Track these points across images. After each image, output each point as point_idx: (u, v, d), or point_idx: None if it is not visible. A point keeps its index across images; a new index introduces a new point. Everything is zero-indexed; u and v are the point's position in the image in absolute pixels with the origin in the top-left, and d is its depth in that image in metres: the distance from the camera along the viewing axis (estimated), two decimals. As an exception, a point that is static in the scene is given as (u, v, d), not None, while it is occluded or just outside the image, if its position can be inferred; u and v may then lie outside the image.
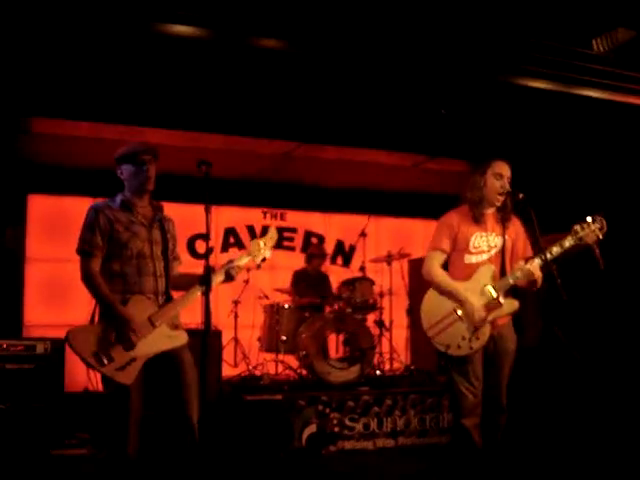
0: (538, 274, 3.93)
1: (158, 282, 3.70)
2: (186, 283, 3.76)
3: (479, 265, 4.09)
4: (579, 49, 5.83)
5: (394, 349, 7.97)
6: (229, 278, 3.77)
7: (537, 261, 3.93)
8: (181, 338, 3.70)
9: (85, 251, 3.62)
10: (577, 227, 4.00)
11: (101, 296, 3.55)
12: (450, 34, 5.64)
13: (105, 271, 3.64)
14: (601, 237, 3.99)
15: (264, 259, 4.02)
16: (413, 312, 7.92)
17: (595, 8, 5.30)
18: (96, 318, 3.61)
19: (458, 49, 5.82)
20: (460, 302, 4.00)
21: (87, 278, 3.59)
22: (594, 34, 5.60)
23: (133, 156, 3.72)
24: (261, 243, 4.00)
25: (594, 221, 4.00)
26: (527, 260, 4.06)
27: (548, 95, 6.36)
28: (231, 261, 3.82)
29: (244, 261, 3.91)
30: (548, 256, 3.92)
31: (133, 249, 3.65)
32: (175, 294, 3.77)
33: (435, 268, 4.12)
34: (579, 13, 5.35)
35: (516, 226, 4.25)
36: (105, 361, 3.43)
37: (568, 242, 3.98)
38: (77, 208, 6.87)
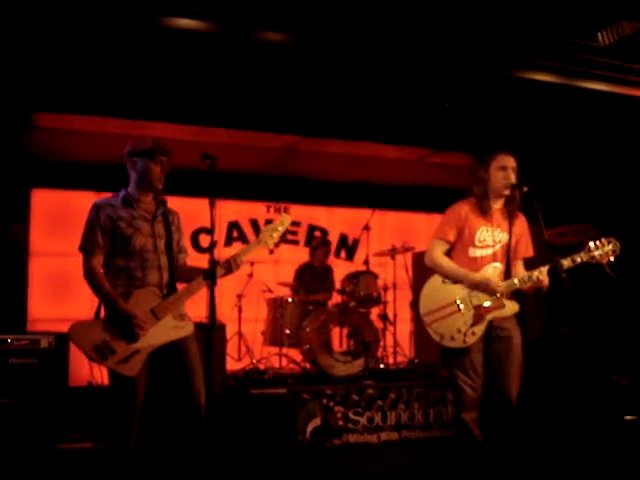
0: (546, 283, 3.92)
1: (162, 275, 3.72)
2: (191, 275, 3.74)
3: (483, 259, 4.08)
4: (584, 42, 5.80)
5: (398, 343, 7.95)
6: (228, 271, 3.73)
7: (546, 269, 3.90)
8: (187, 328, 3.72)
9: (86, 249, 3.66)
10: (592, 245, 3.95)
11: (102, 293, 3.59)
12: (455, 27, 5.62)
13: (109, 266, 3.69)
14: (612, 259, 3.94)
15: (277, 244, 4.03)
16: (417, 306, 7.90)
17: (600, 1, 5.28)
18: (102, 312, 3.62)
19: (463, 42, 5.81)
20: (474, 284, 3.98)
21: (88, 275, 3.64)
22: (599, 27, 5.58)
23: (152, 153, 3.74)
24: (275, 228, 3.95)
25: (609, 242, 3.95)
26: (527, 260, 4.16)
27: (553, 88, 6.34)
28: (236, 255, 3.80)
29: (251, 249, 3.87)
30: (558, 267, 3.87)
31: (136, 245, 3.67)
32: (180, 286, 3.78)
33: (440, 255, 4.13)
34: (584, 6, 5.33)
35: (522, 224, 4.23)
36: (107, 354, 3.46)
37: (580, 258, 3.94)
38: (81, 202, 6.88)
